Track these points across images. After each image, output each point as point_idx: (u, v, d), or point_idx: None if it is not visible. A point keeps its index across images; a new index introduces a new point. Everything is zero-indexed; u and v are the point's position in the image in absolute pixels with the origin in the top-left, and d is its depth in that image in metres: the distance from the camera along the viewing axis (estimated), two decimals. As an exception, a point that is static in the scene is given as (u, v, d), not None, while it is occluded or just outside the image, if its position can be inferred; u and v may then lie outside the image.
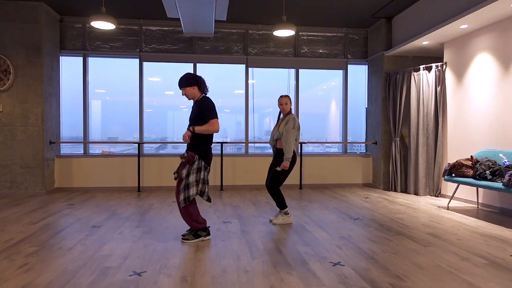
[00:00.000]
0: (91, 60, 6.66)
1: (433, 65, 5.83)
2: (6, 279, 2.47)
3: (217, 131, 3.31)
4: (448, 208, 4.91)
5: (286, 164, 3.88)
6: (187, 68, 6.86)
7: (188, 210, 3.31)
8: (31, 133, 5.77)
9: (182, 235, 3.43)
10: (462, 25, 4.87)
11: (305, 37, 7.05)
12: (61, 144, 6.50)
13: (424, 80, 5.92)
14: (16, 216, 4.33)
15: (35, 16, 5.75)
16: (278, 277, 2.54)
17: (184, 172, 3.25)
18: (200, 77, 3.42)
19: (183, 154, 3.38)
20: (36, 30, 5.76)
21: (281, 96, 4.11)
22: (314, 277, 2.54)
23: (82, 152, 6.64)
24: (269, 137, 4.26)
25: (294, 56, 7.01)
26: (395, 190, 6.39)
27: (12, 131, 5.73)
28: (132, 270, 2.64)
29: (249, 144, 7.08)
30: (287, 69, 7.16)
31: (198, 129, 3.26)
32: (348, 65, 7.19)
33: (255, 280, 2.49)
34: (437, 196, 5.82)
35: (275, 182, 3.99)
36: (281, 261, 2.85)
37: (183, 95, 3.40)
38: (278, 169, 3.92)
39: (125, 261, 2.83)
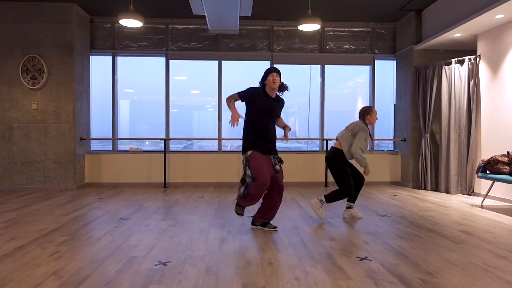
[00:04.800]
0: (120, 60, 6.83)
1: (466, 58, 5.60)
2: (38, 265, 2.55)
3: None
4: (482, 207, 4.69)
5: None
6: (212, 66, 6.91)
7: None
8: (63, 129, 5.98)
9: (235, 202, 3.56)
10: (498, 14, 4.64)
11: (331, 33, 6.94)
12: (91, 141, 6.70)
13: (456, 74, 5.70)
14: (49, 208, 4.50)
15: (67, 17, 5.96)
16: (303, 270, 2.50)
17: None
18: None
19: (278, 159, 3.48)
20: (68, 30, 5.97)
21: (375, 109, 4.06)
22: (340, 271, 2.47)
23: (111, 148, 6.82)
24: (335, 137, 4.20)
25: (320, 52, 6.91)
26: (425, 189, 6.18)
27: (45, 128, 5.96)
28: (158, 260, 2.67)
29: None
30: (309, 68, 7.08)
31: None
32: (375, 61, 7.02)
33: (280, 272, 2.45)
34: (469, 195, 5.58)
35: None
36: (306, 255, 2.81)
37: (275, 83, 3.40)
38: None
39: (151, 251, 2.87)
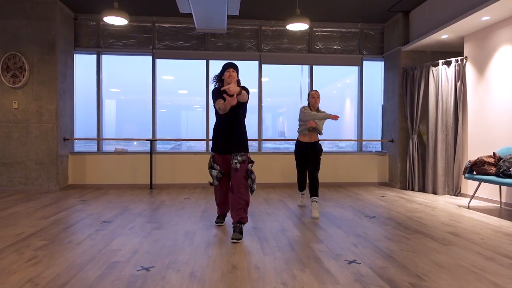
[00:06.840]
0: (105, 58, 6.68)
1: (453, 59, 5.63)
2: (13, 271, 2.43)
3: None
4: (469, 207, 4.71)
5: None
6: (200, 65, 6.82)
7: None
8: (46, 129, 5.81)
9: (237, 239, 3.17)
10: (484, 16, 4.67)
11: (319, 33, 6.92)
12: (75, 141, 6.53)
13: (443, 75, 5.72)
14: (29, 211, 4.34)
15: (50, 13, 5.79)
16: (290, 274, 2.44)
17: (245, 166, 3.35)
18: None
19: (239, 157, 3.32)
20: (51, 27, 5.80)
21: (315, 91, 4.46)
22: (329, 275, 2.42)
23: (95, 149, 6.66)
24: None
25: (308, 53, 6.88)
26: (413, 189, 6.19)
27: (27, 127, 5.78)
28: (140, 265, 2.57)
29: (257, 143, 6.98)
30: (299, 69, 7.06)
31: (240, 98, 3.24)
32: (364, 61, 7.02)
33: (266, 277, 2.39)
34: (456, 196, 5.61)
35: (319, 168, 4.37)
36: (293, 258, 2.75)
37: (230, 77, 3.33)
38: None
39: (133, 256, 2.77)
